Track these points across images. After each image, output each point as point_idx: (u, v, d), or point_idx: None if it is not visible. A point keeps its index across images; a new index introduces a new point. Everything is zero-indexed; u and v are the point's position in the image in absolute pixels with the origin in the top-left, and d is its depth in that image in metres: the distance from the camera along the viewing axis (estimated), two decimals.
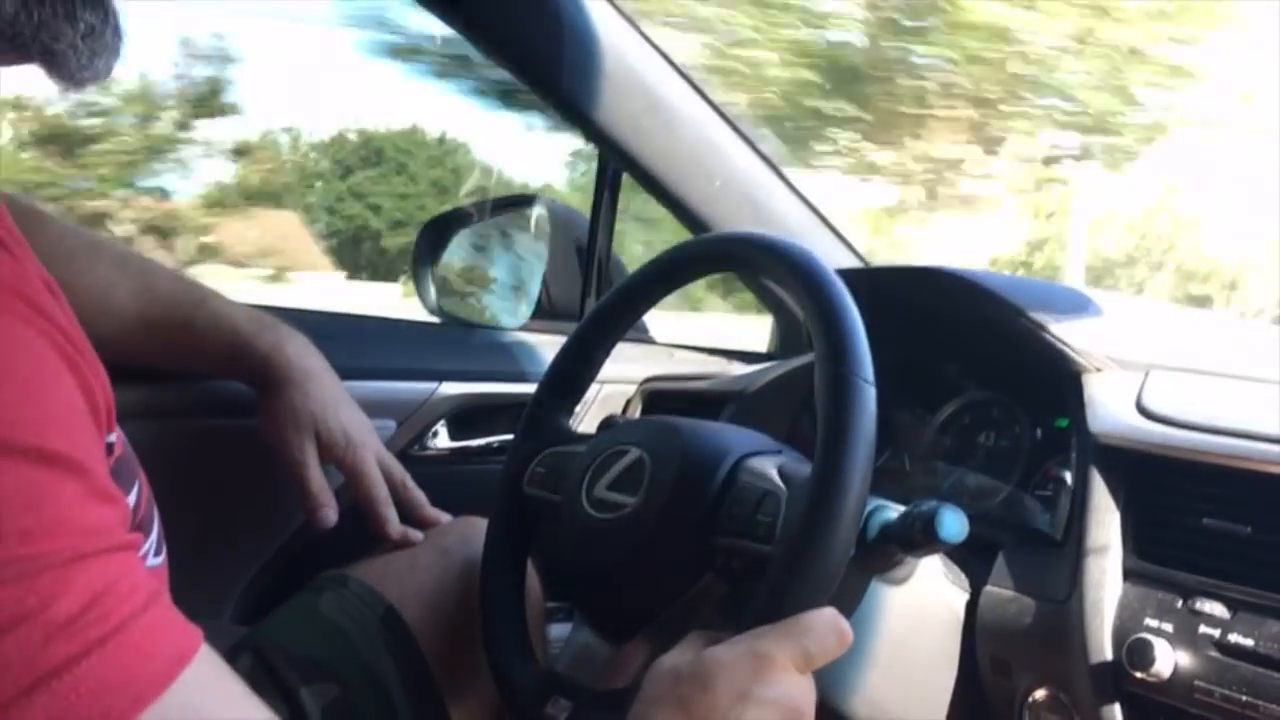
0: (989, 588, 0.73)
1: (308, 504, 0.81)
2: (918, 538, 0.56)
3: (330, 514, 0.81)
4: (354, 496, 0.82)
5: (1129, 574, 0.68)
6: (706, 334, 1.38)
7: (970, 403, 0.92)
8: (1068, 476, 0.78)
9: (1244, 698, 0.59)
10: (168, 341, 0.82)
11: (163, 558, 0.59)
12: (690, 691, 0.50)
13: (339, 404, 0.82)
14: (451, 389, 1.06)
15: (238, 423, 0.86)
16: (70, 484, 0.36)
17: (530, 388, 0.79)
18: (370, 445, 0.83)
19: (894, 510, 0.58)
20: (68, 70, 0.41)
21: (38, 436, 0.36)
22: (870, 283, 0.88)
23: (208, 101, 6.81)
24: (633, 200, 1.23)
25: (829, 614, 0.52)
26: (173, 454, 0.86)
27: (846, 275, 0.61)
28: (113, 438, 0.49)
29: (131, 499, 0.53)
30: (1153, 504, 0.69)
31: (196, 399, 0.88)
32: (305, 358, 0.82)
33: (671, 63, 1.09)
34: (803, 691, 0.51)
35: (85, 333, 0.46)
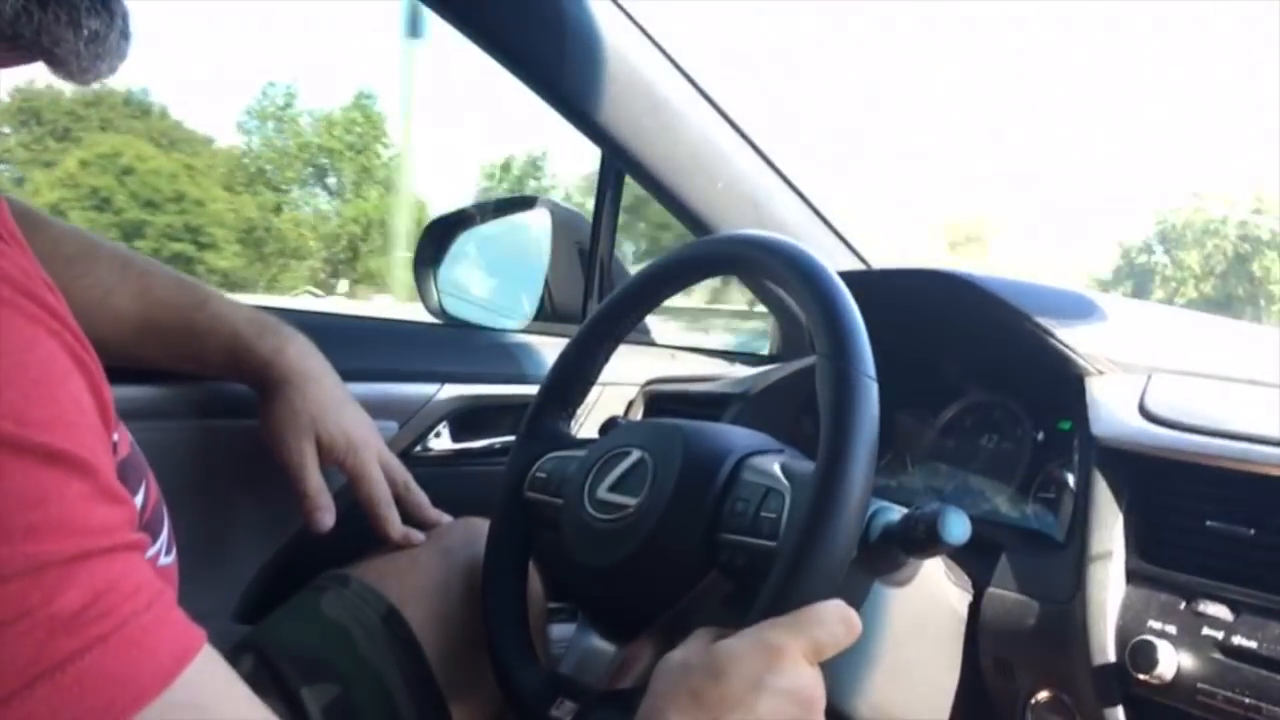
0: (992, 589, 0.73)
1: (304, 507, 0.80)
2: (920, 539, 0.56)
3: (326, 517, 0.81)
4: (356, 498, 0.82)
5: (1132, 576, 0.68)
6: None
7: (973, 405, 0.92)
8: (1070, 479, 0.78)
9: (1247, 700, 0.59)
10: (168, 345, 0.81)
11: (173, 557, 0.59)
12: (702, 683, 0.49)
13: (339, 406, 0.82)
14: (453, 390, 1.06)
15: (240, 423, 0.86)
16: (76, 483, 0.37)
17: (532, 389, 0.79)
18: (372, 446, 0.83)
19: (897, 512, 0.58)
20: (69, 71, 0.42)
21: (46, 435, 0.36)
22: (872, 285, 0.88)
23: None
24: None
25: (837, 604, 0.52)
26: (175, 455, 0.86)
27: (849, 277, 0.61)
28: (115, 437, 0.49)
29: (139, 499, 0.53)
30: (1155, 506, 0.69)
31: (199, 400, 0.88)
32: (306, 360, 0.82)
33: (674, 63, 1.09)
34: (814, 681, 0.51)
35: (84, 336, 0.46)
